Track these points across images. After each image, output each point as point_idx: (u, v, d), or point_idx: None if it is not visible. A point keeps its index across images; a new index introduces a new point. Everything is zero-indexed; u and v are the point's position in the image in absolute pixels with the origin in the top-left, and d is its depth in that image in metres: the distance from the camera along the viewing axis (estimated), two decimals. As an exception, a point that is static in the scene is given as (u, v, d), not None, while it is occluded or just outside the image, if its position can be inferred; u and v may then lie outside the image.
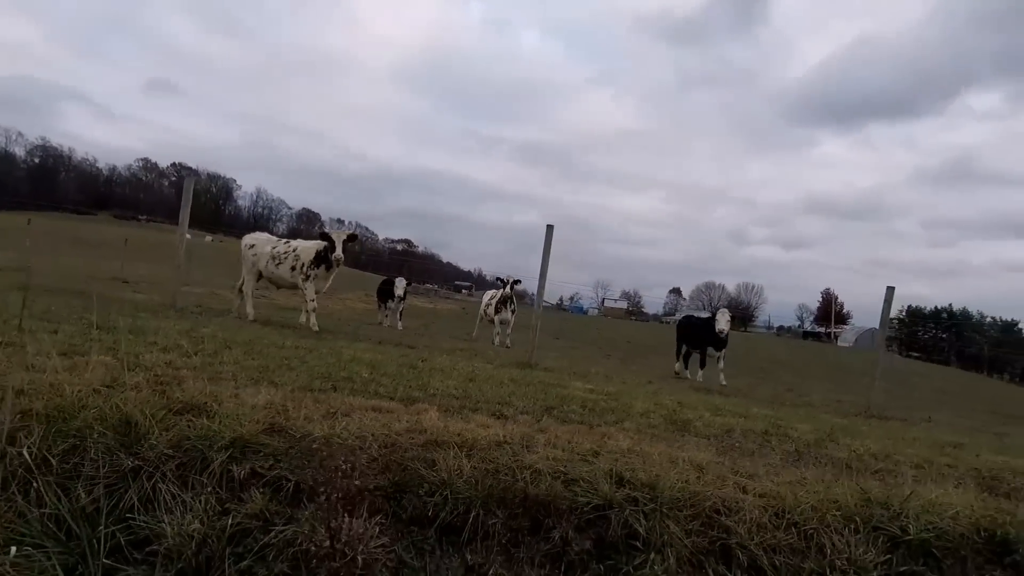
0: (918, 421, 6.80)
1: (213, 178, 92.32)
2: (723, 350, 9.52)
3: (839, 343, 64.13)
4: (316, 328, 7.63)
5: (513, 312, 11.42)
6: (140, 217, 74.66)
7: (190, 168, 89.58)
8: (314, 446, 2.17)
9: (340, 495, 2.00)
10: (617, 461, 2.39)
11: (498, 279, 11.65)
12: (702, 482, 2.26)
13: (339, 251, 7.97)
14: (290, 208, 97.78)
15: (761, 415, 4.83)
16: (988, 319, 77.37)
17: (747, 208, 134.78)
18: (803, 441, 3.79)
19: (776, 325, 78.04)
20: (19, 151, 76.95)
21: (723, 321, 9.23)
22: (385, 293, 15.06)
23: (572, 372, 6.45)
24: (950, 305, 78.41)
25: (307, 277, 8.08)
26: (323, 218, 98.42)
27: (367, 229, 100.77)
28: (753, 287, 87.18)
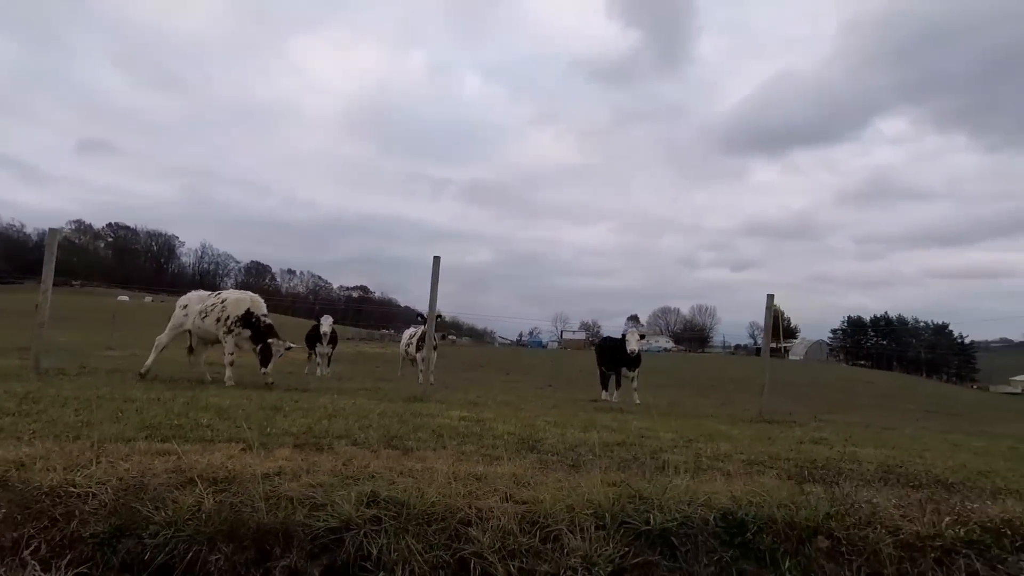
0: (807, 422, 7.02)
1: (153, 236, 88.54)
2: (636, 370, 9.67)
3: (791, 356, 66.39)
4: (231, 383, 7.20)
5: (435, 349, 11.20)
6: (74, 282, 70.51)
7: (127, 227, 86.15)
8: (36, 497, 2.02)
9: (46, 546, 1.86)
10: (391, 483, 2.33)
11: (419, 316, 11.52)
12: (465, 495, 2.23)
13: (281, 350, 7.72)
14: (238, 262, 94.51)
15: (633, 428, 4.87)
16: (922, 323, 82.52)
17: (693, 234, 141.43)
18: (651, 448, 3.83)
19: (733, 344, 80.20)
20: (-66, 221, 72.34)
21: (633, 341, 9.42)
22: (313, 338, 13.98)
23: (465, 403, 6.37)
24: (886, 313, 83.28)
25: (229, 331, 7.65)
26: (274, 270, 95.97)
27: (320, 278, 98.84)
28: (707, 309, 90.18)
